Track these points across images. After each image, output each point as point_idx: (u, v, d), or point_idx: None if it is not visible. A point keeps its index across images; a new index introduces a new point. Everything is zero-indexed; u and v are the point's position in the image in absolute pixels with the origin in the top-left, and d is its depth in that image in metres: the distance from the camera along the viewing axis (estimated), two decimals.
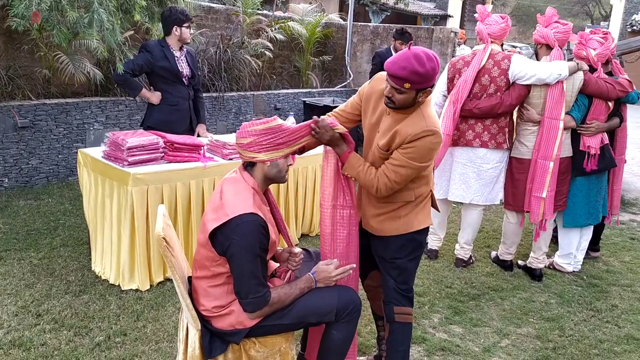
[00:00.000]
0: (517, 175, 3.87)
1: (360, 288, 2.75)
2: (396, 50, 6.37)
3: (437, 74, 2.12)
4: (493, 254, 4.25)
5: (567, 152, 3.82)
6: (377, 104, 2.33)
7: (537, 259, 4.00)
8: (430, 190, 2.44)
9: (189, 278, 2.31)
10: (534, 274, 3.98)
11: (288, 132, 2.16)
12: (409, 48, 2.10)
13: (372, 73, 6.35)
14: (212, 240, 2.05)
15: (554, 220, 4.31)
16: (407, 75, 2.05)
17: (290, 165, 2.27)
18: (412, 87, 2.09)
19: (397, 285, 2.44)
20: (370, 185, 2.27)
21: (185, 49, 4.13)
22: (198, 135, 4.24)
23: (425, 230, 2.47)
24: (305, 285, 2.18)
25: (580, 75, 3.70)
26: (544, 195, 3.72)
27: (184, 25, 3.98)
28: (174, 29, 3.97)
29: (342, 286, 2.28)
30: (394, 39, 6.46)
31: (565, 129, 3.70)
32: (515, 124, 3.92)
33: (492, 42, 3.76)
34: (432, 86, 2.17)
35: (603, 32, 3.89)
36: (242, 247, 1.99)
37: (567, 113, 3.70)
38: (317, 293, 2.19)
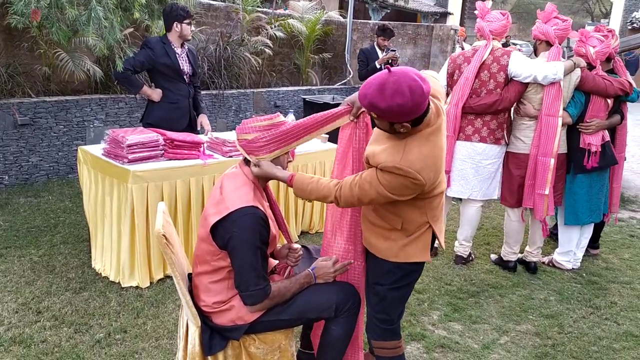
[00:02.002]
0: (513, 171, 3.88)
1: None
2: (379, 47, 6.35)
3: (409, 112, 1.78)
4: (493, 256, 4.23)
5: (562, 148, 3.84)
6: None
7: (531, 253, 4.07)
8: (428, 224, 2.11)
9: (189, 275, 2.32)
10: (529, 267, 4.06)
11: (290, 130, 2.15)
12: (389, 70, 1.80)
13: (359, 70, 6.35)
14: (213, 234, 2.05)
15: (555, 217, 4.32)
16: (366, 105, 1.84)
17: (290, 161, 2.28)
18: (379, 117, 1.87)
19: (373, 315, 2.28)
20: (327, 194, 2.06)
21: (186, 47, 4.14)
22: (201, 127, 4.26)
23: (418, 264, 2.19)
24: (305, 280, 2.19)
25: (577, 72, 3.71)
26: (546, 192, 3.73)
27: (185, 21, 3.98)
28: (175, 25, 3.97)
29: (342, 282, 2.29)
30: (376, 35, 6.46)
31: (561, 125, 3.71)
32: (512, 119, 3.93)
33: (493, 38, 3.77)
34: (417, 122, 1.86)
35: (607, 29, 3.88)
36: (242, 239, 2.00)
37: (563, 109, 3.71)
38: (317, 288, 2.20)
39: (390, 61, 6.01)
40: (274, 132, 2.12)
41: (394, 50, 6.22)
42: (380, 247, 2.17)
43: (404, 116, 1.81)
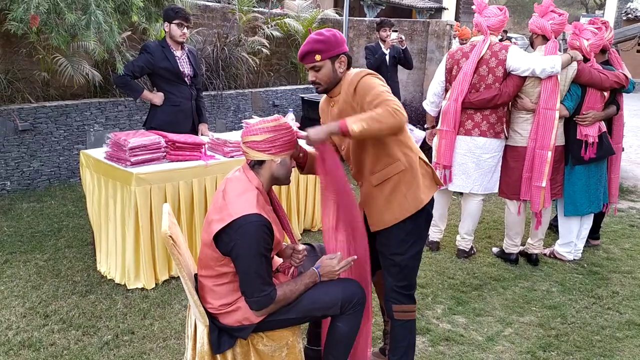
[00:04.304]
0: (511, 164, 3.91)
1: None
2: (382, 40, 6.39)
3: (342, 40, 2.19)
4: (495, 249, 4.26)
5: (560, 140, 3.86)
6: (327, 117, 2.39)
7: (532, 245, 4.10)
8: (420, 158, 2.34)
9: (195, 275, 2.33)
10: (530, 259, 4.09)
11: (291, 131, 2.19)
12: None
13: (367, 62, 6.37)
14: (216, 241, 2.05)
15: (555, 209, 4.34)
16: (311, 47, 2.15)
17: (294, 167, 2.29)
18: (323, 58, 2.17)
19: (395, 284, 2.41)
20: (387, 115, 2.01)
21: (186, 48, 4.13)
22: (201, 134, 4.26)
23: (430, 214, 2.40)
24: (310, 280, 2.20)
25: (573, 65, 3.74)
26: (543, 184, 3.76)
27: (174, 22, 3.93)
28: (165, 26, 3.97)
29: (346, 279, 2.31)
30: (377, 31, 6.52)
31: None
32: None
33: (490, 34, 3.79)
34: (345, 53, 2.22)
35: (601, 21, 3.90)
36: (246, 247, 1.99)
37: (560, 102, 3.73)
38: (322, 287, 2.21)
39: (399, 42, 6.18)
40: (288, 138, 2.15)
41: (396, 31, 6.28)
42: (406, 207, 2.29)
43: (337, 45, 2.18)
